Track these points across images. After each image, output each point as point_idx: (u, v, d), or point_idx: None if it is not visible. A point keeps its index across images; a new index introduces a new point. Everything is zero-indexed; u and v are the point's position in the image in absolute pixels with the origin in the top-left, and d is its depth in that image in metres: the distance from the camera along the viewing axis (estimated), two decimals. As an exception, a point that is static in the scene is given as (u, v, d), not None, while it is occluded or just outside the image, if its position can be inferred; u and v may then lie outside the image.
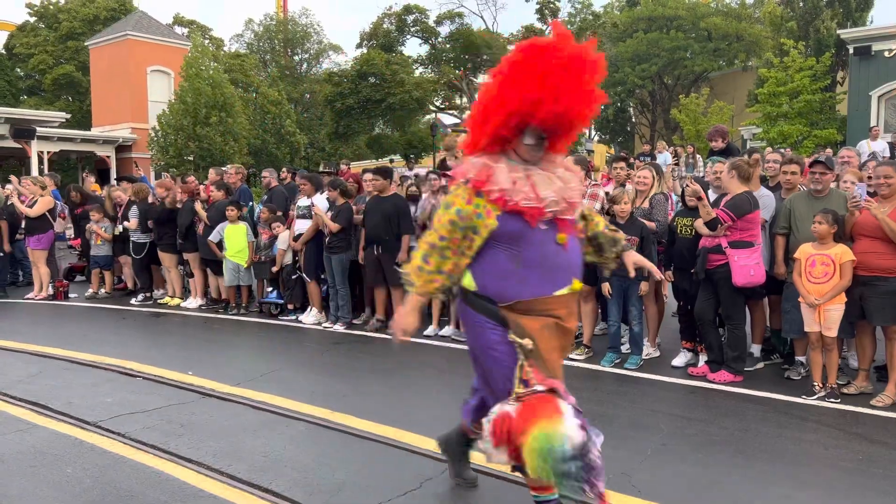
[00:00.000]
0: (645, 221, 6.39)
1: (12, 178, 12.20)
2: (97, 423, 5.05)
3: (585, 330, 6.87)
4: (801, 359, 6.02)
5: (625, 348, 6.75)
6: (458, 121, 41.17)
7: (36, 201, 10.65)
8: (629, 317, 6.49)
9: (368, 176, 8.40)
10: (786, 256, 5.93)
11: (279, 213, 9.19)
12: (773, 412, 5.19)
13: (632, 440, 4.65)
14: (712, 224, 5.74)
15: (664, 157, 17.88)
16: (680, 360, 6.40)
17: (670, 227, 6.28)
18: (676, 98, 37.42)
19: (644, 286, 6.25)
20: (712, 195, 6.35)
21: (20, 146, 24.51)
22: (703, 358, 6.21)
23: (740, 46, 39.58)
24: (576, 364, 6.53)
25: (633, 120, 47.29)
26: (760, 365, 6.37)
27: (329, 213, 8.21)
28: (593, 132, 50.72)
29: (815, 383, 5.51)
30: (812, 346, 5.56)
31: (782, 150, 10.98)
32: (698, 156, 18.53)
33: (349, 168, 13.17)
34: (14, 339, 7.90)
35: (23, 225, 11.00)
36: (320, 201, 8.46)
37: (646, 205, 6.60)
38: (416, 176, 9.93)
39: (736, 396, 5.55)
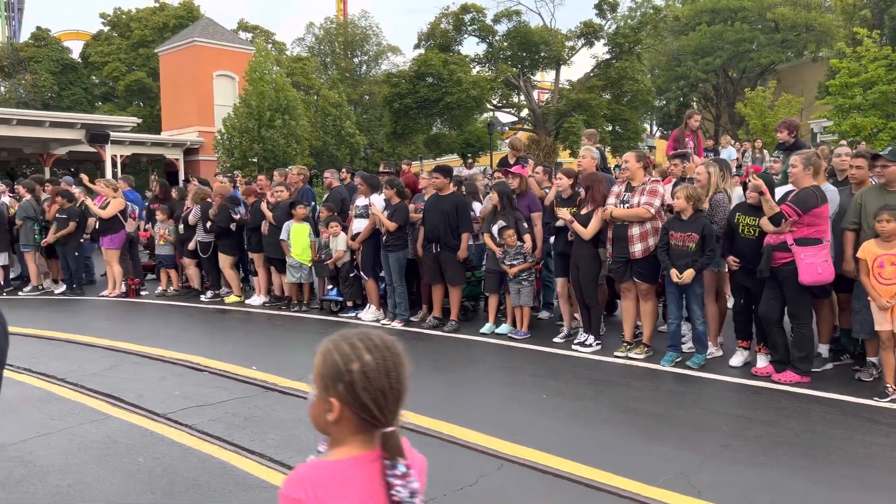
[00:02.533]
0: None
1: (82, 176, 12.77)
2: (166, 414, 5.27)
3: (645, 329, 6.77)
4: (874, 360, 5.78)
5: (686, 347, 6.62)
6: (515, 119, 40.97)
7: (108, 203, 11.12)
8: (691, 315, 6.36)
9: (426, 174, 8.48)
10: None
11: (336, 213, 9.36)
12: (841, 414, 5.01)
13: (692, 440, 4.57)
14: (776, 219, 5.58)
15: (729, 153, 17.36)
16: (737, 359, 6.24)
17: (730, 225, 6.12)
18: (742, 92, 36.37)
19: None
20: (779, 192, 6.16)
21: (95, 150, 25.64)
22: (761, 357, 6.04)
23: (810, 37, 38.17)
24: (635, 363, 6.45)
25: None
26: (829, 366, 6.15)
27: (385, 213, 8.32)
28: (655, 128, 49.73)
29: (888, 385, 5.28)
30: (884, 347, 5.34)
31: (855, 144, 10.54)
32: (765, 151, 17.96)
33: (410, 168, 13.27)
34: (90, 334, 8.29)
35: (95, 226, 11.49)
36: (377, 201, 8.59)
37: (705, 206, 6.42)
38: (461, 178, 9.97)
39: (802, 398, 5.38)
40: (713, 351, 6.54)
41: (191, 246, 10.63)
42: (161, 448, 4.60)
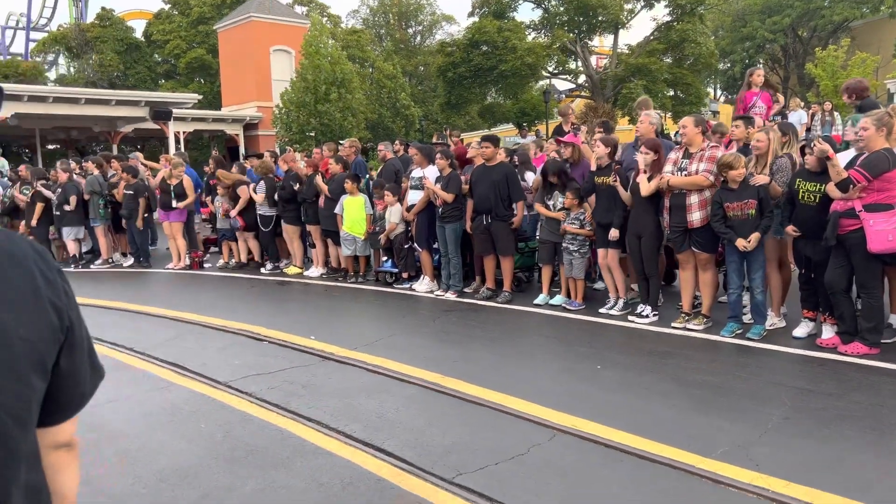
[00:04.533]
0: (774, 187, 6.02)
1: (138, 154, 13.14)
2: (227, 382, 5.44)
3: (704, 300, 6.60)
4: (949, 331, 5.51)
5: (748, 318, 6.44)
6: (572, 86, 40.17)
7: (181, 182, 11.43)
8: (751, 285, 6.17)
9: (474, 143, 8.41)
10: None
11: (390, 185, 9.39)
12: (912, 388, 4.80)
13: (751, 413, 4.46)
14: (844, 186, 5.32)
15: (798, 116, 16.60)
16: (801, 330, 6.03)
17: (791, 192, 5.88)
18: (812, 52, 34.68)
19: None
20: (847, 155, 5.87)
21: (159, 127, 26.37)
22: (826, 328, 5.82)
23: (887, -10, 36.00)
24: (693, 335, 6.32)
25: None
26: (900, 337, 5.89)
27: (439, 184, 8.30)
28: (719, 92, 48.05)
29: (964, 358, 5.03)
30: (961, 318, 5.07)
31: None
32: (836, 113, 17.13)
33: (460, 140, 13.20)
34: (156, 305, 8.60)
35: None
36: (431, 173, 8.57)
37: (767, 171, 6.18)
38: (513, 150, 9.86)
39: (870, 370, 5.17)
40: (776, 322, 6.34)
41: (233, 213, 10.89)
42: (222, 415, 4.76)
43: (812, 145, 5.61)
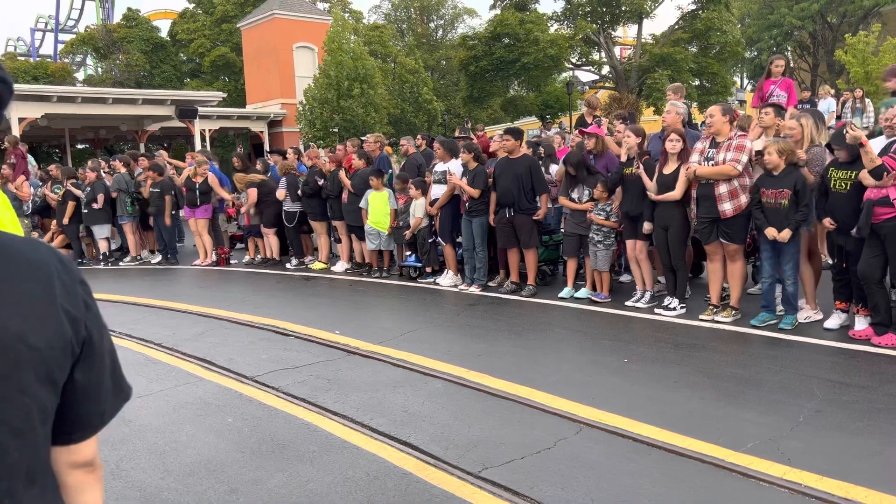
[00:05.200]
0: (806, 174, 5.91)
1: (161, 152, 13.28)
2: (254, 377, 5.48)
3: (733, 291, 6.50)
4: None
5: (780, 309, 6.33)
6: (595, 77, 39.82)
7: (206, 179, 11.54)
8: (783, 275, 6.07)
9: (496, 136, 8.37)
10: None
11: (415, 179, 9.39)
12: (949, 380, 4.68)
13: (782, 405, 4.38)
14: (878, 173, 5.20)
15: (827, 104, 16.24)
16: (833, 321, 5.91)
17: (823, 181, 5.76)
18: (842, 38, 33.98)
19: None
20: (880, 143, 5.74)
21: (185, 125, 26.66)
22: (859, 319, 5.69)
23: (920, -27, 35.11)
24: (722, 327, 6.23)
25: (792, 65, 43.51)
26: (936, 328, 5.74)
27: (464, 178, 8.28)
28: (746, 81, 47.33)
29: None
30: None
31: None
32: (867, 100, 16.74)
33: (484, 133, 13.16)
34: (184, 301, 8.71)
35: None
36: (456, 167, 8.54)
37: (802, 157, 6.08)
38: (537, 141, 9.80)
39: (905, 362, 5.06)
40: (810, 314, 6.22)
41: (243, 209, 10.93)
42: (250, 409, 4.80)
43: (844, 132, 5.49)
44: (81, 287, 1.14)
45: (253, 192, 11.00)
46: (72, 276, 1.12)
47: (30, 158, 14.25)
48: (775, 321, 6.11)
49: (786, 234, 5.81)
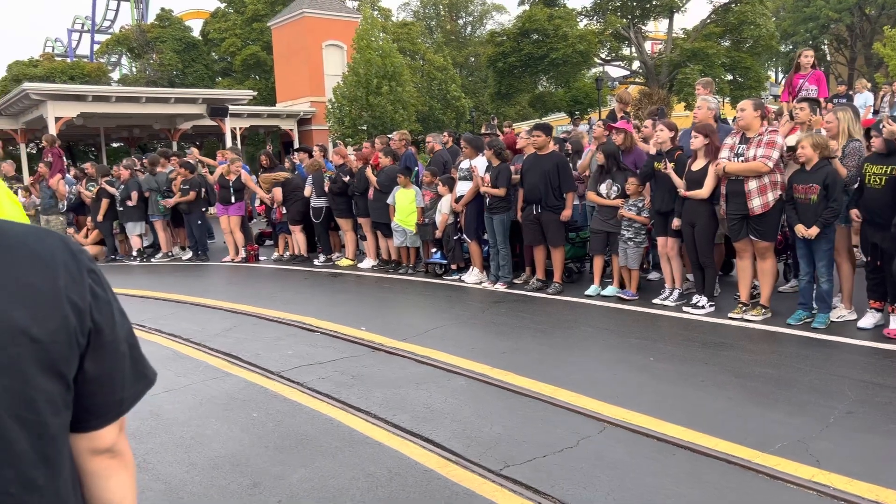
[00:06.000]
0: (838, 166, 5.78)
1: (193, 150, 13.46)
2: (280, 373, 5.53)
3: (763, 289, 6.38)
4: None
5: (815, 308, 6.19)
6: (626, 73, 39.38)
7: (239, 176, 11.67)
8: (817, 273, 5.94)
9: (523, 132, 8.31)
10: None
11: (443, 176, 9.38)
12: None
13: (812, 406, 4.29)
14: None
15: (864, 98, 15.86)
16: (867, 321, 5.77)
17: (860, 176, 5.62)
18: (880, 30, 33.12)
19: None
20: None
21: (216, 124, 26.98)
22: (894, 319, 5.54)
23: (963, -38, 34.11)
24: (751, 326, 6.12)
25: (829, 59, 42.58)
26: (976, 328, 5.58)
27: (488, 176, 8.25)
28: (780, 75, 46.42)
29: None
30: None
31: None
32: (905, 94, 16.28)
33: (511, 129, 13.10)
34: (213, 297, 8.82)
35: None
36: (480, 163, 8.52)
37: (837, 152, 5.95)
38: (564, 139, 9.72)
39: (942, 363, 4.92)
40: (844, 313, 6.08)
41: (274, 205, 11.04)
42: (274, 404, 4.84)
43: (881, 126, 5.35)
44: (90, 275, 1.12)
45: (278, 192, 11.09)
46: (79, 264, 1.11)
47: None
48: (811, 319, 5.98)
49: (813, 231, 5.69)
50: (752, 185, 6.09)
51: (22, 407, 1.01)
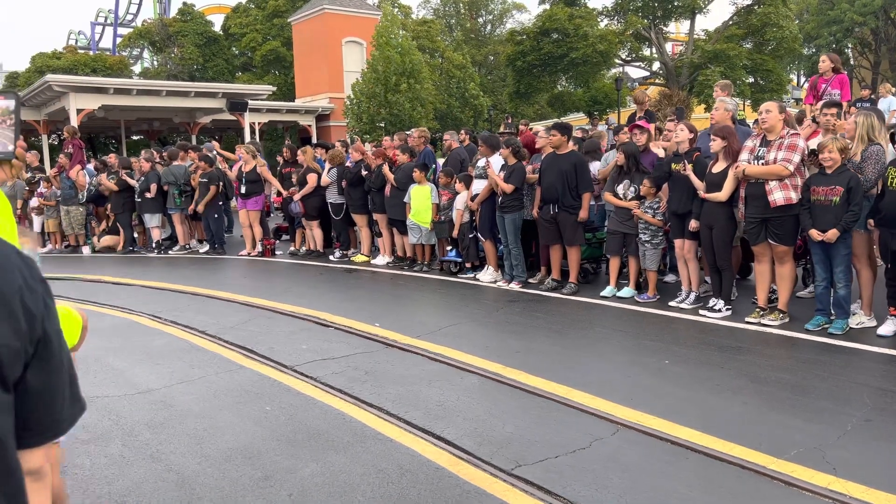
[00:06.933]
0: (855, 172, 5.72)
1: (214, 143, 13.52)
2: (293, 367, 5.54)
3: (781, 294, 6.31)
4: None
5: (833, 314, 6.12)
6: (646, 73, 39.13)
7: (254, 167, 11.72)
8: (834, 279, 5.87)
9: (542, 131, 8.27)
10: None
11: (460, 175, 9.36)
12: None
13: (829, 413, 4.24)
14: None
15: (888, 102, 15.64)
16: (888, 328, 5.68)
17: (882, 179, 5.55)
18: (906, 34, 32.67)
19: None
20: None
21: (235, 118, 27.15)
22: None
23: None
24: (769, 330, 6.05)
25: (852, 62, 42.05)
26: None
27: (502, 174, 8.22)
28: (802, 79, 45.93)
29: None
30: None
31: None
32: (930, 99, 16.04)
33: (528, 128, 13.06)
34: (228, 290, 8.86)
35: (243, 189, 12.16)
36: (496, 161, 8.50)
37: (857, 158, 5.88)
38: (581, 138, 9.65)
39: (963, 372, 4.84)
40: (863, 320, 6.00)
41: (296, 196, 11.05)
42: (287, 398, 4.86)
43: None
44: (42, 285, 1.11)
45: (313, 178, 11.03)
46: (33, 272, 1.10)
47: None
48: (829, 325, 5.91)
49: (832, 235, 5.62)
50: (772, 184, 6.02)
51: None
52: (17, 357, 1.04)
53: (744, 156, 6.25)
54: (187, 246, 12.83)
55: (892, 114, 13.79)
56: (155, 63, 47.88)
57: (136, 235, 13.35)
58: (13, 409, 1.07)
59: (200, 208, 12.04)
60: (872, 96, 17.35)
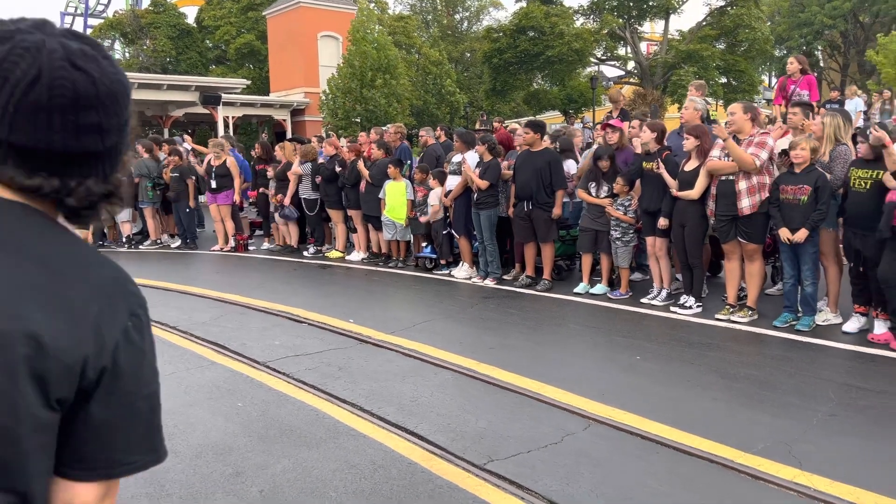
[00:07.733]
0: (824, 171, 5.83)
1: (186, 137, 13.33)
2: (266, 363, 5.51)
3: (750, 291, 6.42)
4: None
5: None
6: (621, 73, 39.43)
7: (224, 161, 11.57)
8: (801, 276, 5.98)
9: (519, 129, 8.31)
10: None
11: (435, 171, 9.36)
12: (970, 388, 4.58)
13: (795, 408, 4.32)
14: (902, 175, 5.09)
15: (855, 104, 15.98)
16: (852, 325, 5.81)
17: (846, 181, 5.66)
18: (874, 38, 33.32)
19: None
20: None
21: (208, 112, 26.82)
22: (878, 323, 5.59)
23: (957, -27, 34.34)
24: (738, 327, 6.15)
25: (822, 64, 42.77)
26: (959, 335, 5.62)
27: (477, 170, 8.24)
28: (773, 80, 46.60)
29: None
30: None
31: None
32: (896, 101, 16.41)
33: (502, 125, 13.10)
34: (200, 285, 8.77)
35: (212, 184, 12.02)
36: (471, 158, 8.51)
37: (825, 158, 6.00)
38: (557, 134, 9.68)
39: (925, 368, 4.96)
40: (829, 317, 6.12)
41: (286, 201, 10.95)
42: (259, 394, 4.83)
43: (868, 132, 5.38)
44: (132, 318, 1.04)
45: (294, 173, 10.89)
46: (128, 303, 1.04)
47: None
48: (796, 322, 6.02)
49: (801, 235, 5.73)
50: (742, 185, 6.12)
51: (4, 410, 0.93)
52: (71, 379, 0.97)
53: (715, 153, 6.33)
54: (158, 240, 12.65)
55: (858, 115, 14.08)
56: (126, 55, 47.04)
57: (105, 230, 13.12)
58: (55, 431, 0.99)
59: (192, 204, 11.88)
60: (840, 98, 17.70)
